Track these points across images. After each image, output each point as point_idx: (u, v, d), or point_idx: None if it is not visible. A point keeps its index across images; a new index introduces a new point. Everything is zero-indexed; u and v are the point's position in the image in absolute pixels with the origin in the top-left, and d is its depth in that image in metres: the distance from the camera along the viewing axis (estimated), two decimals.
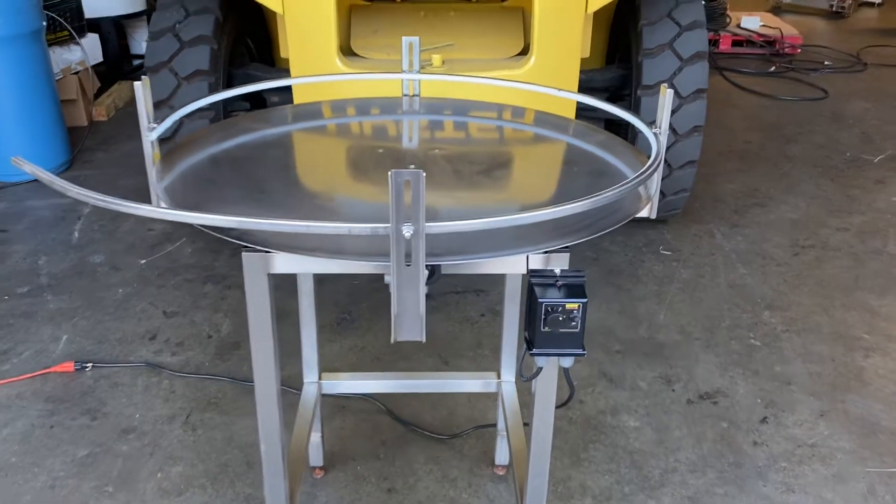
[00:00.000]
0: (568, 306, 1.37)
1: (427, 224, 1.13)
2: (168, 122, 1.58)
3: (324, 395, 2.18)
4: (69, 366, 2.67)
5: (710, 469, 2.31)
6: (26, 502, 2.16)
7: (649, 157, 1.51)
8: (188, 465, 2.29)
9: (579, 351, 1.41)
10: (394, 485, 2.24)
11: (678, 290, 3.22)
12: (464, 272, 1.32)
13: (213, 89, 3.18)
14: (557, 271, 1.40)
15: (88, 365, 2.69)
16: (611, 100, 3.52)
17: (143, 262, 3.40)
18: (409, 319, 1.21)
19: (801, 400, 2.60)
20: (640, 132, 1.61)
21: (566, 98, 1.81)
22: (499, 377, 2.16)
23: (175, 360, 2.74)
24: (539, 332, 1.38)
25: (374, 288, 3.15)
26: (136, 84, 1.50)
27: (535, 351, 1.41)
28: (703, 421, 2.50)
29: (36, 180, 4.14)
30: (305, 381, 2.13)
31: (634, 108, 3.25)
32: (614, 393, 2.61)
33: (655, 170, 1.44)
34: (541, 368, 1.47)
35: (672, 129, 3.25)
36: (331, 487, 2.22)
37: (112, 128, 5.05)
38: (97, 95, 5.19)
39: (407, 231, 1.13)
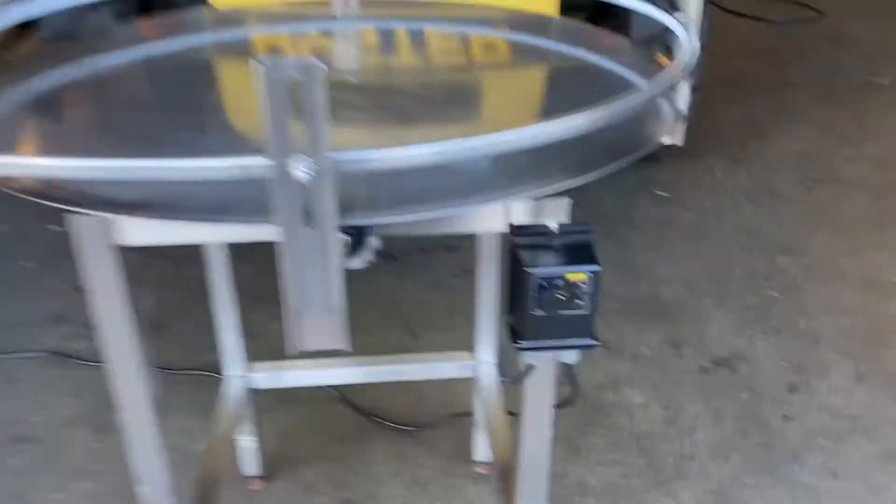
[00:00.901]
0: (571, 277, 0.93)
1: (341, 156, 0.68)
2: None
3: (255, 391, 1.74)
4: None
5: (734, 453, 1.91)
6: None
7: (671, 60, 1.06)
8: (94, 480, 1.85)
9: (588, 341, 0.97)
10: (352, 494, 1.81)
11: (680, 236, 2.79)
12: (417, 233, 0.86)
13: None
14: (553, 226, 0.95)
15: None
16: (594, 20, 3.04)
17: (57, 228, 2.90)
18: (314, 316, 0.75)
19: (834, 360, 2.20)
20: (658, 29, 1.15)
21: None
22: (474, 357, 1.72)
23: (86, 347, 2.27)
24: (528, 316, 0.94)
25: None
26: None
27: (523, 344, 0.97)
28: (722, 393, 2.09)
29: None
30: (226, 373, 1.68)
31: (624, 25, 2.76)
32: (614, 363, 2.19)
33: (686, 73, 0.99)
34: (532, 367, 1.02)
35: (664, 46, 2.78)
36: (272, 502, 1.79)
37: None
38: None
39: (301, 169, 0.67)
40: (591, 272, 0.93)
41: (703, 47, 1.17)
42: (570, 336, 0.97)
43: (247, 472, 1.82)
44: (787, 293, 2.49)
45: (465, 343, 2.25)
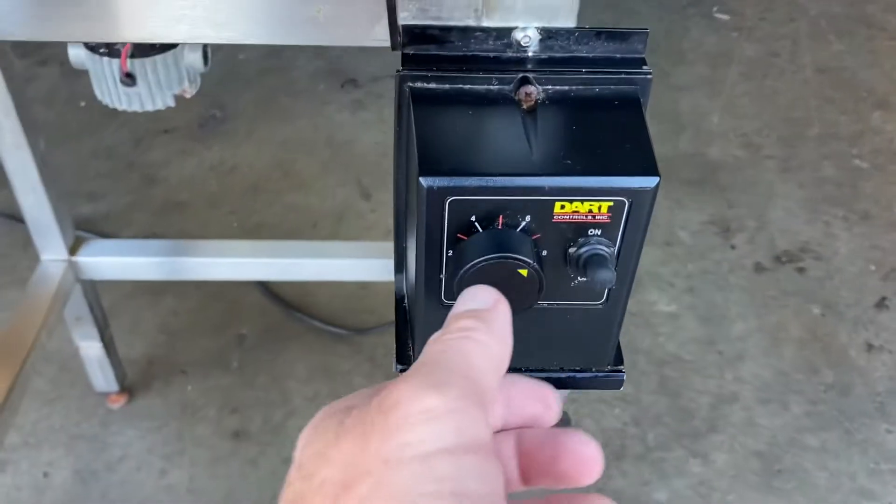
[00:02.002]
0: (569, 209, 0.29)
1: None
2: None
3: (81, 280, 1.15)
4: None
5: (794, 398, 1.35)
6: None
7: None
8: None
9: (606, 375, 0.36)
10: (246, 424, 1.29)
11: (741, 76, 2.08)
12: None
13: None
14: (524, 36, 0.30)
15: None
16: None
17: None
18: None
19: None
20: None
21: None
22: None
23: None
24: (430, 303, 0.32)
25: (265, 69, 2.01)
26: None
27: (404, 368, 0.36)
28: (783, 303, 1.50)
29: None
30: (43, 257, 1.09)
31: None
32: None
33: None
34: None
35: None
36: (134, 428, 1.27)
37: None
38: None
39: None
40: (633, 194, 0.30)
41: None
42: (552, 359, 0.36)
43: (100, 388, 1.28)
44: (880, 164, 1.83)
45: None
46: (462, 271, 0.31)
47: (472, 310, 0.29)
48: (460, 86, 0.33)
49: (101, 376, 1.25)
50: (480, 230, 0.31)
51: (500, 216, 0.31)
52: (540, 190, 0.30)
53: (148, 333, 1.40)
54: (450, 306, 0.31)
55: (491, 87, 0.33)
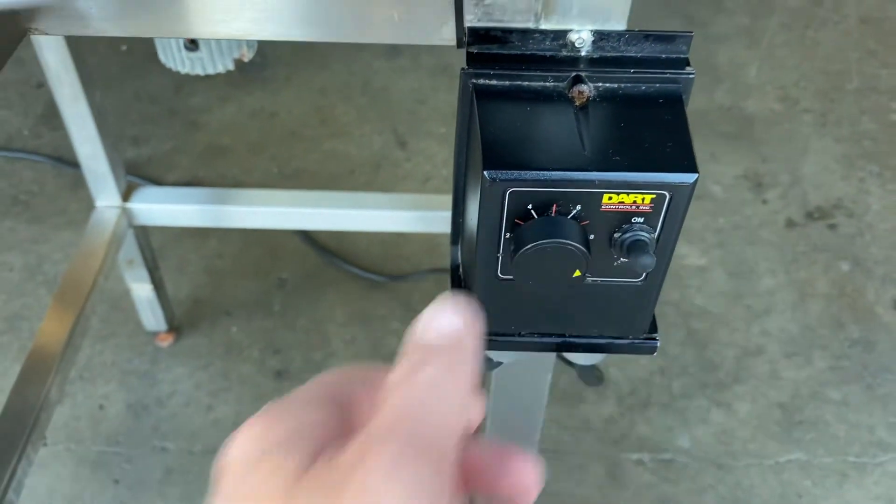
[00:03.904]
0: (616, 200, 0.33)
1: None
2: None
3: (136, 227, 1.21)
4: None
5: (819, 353, 1.38)
6: None
7: None
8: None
9: (641, 341, 0.40)
10: (288, 362, 1.35)
11: (781, 26, 2.05)
12: None
13: None
14: (579, 38, 0.33)
15: None
16: None
17: None
18: None
19: None
20: None
21: None
22: None
23: None
24: (489, 278, 0.36)
25: None
26: None
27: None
28: (814, 259, 1.52)
29: None
30: (98, 204, 1.14)
31: None
32: None
33: None
34: (495, 364, 0.46)
35: None
36: (182, 366, 1.34)
37: None
38: None
39: None
40: (673, 188, 0.33)
41: None
42: (594, 326, 0.40)
43: (149, 327, 1.35)
44: None
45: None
46: (518, 253, 0.34)
47: (442, 346, 0.28)
48: (519, 83, 0.36)
49: (151, 316, 1.32)
50: (536, 217, 0.34)
51: (554, 205, 0.34)
52: (591, 183, 0.34)
53: (194, 275, 1.46)
54: (505, 279, 0.34)
55: (547, 84, 0.36)
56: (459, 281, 0.44)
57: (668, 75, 0.36)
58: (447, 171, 1.67)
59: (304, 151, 1.68)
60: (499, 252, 0.36)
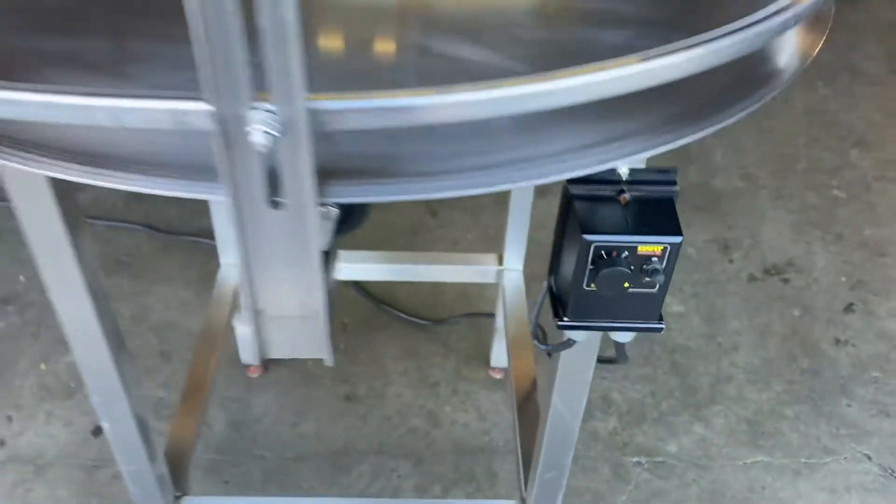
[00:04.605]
0: (642, 250, 0.69)
1: (321, 100, 0.43)
2: None
3: None
4: None
5: (776, 379, 1.74)
6: None
7: None
8: None
9: (653, 324, 0.76)
10: (355, 389, 1.68)
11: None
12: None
13: None
14: (623, 173, 0.71)
15: None
16: None
17: None
18: (291, 319, 0.54)
19: None
20: None
21: None
22: (500, 263, 1.52)
23: (78, 199, 2.08)
24: (579, 290, 0.72)
25: None
26: None
27: (566, 322, 0.75)
28: (770, 307, 1.89)
29: None
30: (223, 262, 1.49)
31: None
32: None
33: None
34: (572, 342, 0.81)
35: None
36: (270, 393, 1.67)
37: None
38: None
39: (262, 125, 0.43)
40: (672, 244, 0.69)
41: None
42: (629, 317, 0.75)
43: (244, 360, 1.68)
44: (854, 193, 2.22)
45: (490, 227, 2.04)
46: (598, 275, 0.69)
47: None
48: (594, 192, 0.71)
49: (248, 352, 1.65)
50: (605, 257, 0.69)
51: (614, 251, 0.69)
52: (632, 241, 0.68)
53: None
54: (588, 289, 0.69)
55: (607, 192, 0.71)
56: (553, 294, 0.78)
57: (665, 189, 0.71)
58: (471, 236, 2.03)
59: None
60: (585, 275, 0.70)
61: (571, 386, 0.90)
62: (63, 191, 0.73)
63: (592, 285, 0.71)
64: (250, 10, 0.38)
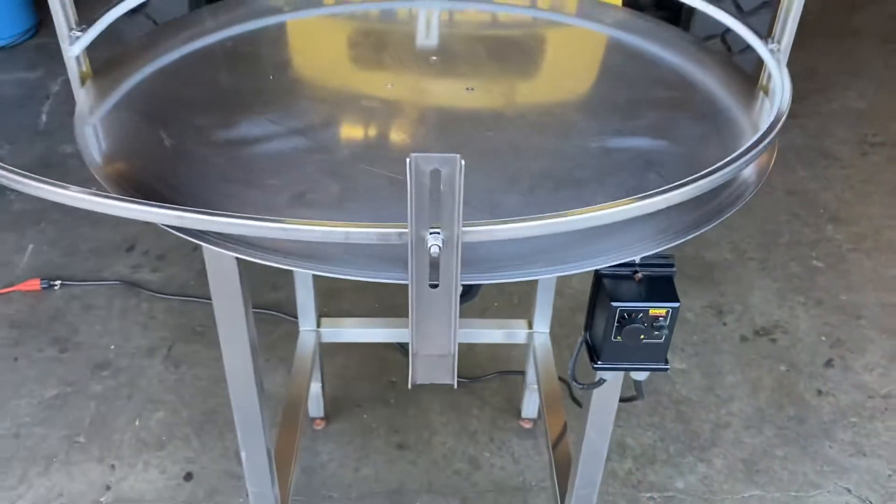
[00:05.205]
0: (652, 312, 1.00)
1: (467, 229, 0.74)
2: (99, 28, 1.15)
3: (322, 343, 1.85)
4: (35, 283, 2.34)
5: (767, 425, 2.01)
6: None
7: (750, 73, 1.11)
8: (170, 410, 2.00)
9: (661, 365, 1.06)
10: (405, 439, 1.95)
11: None
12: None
13: None
14: (637, 259, 1.02)
15: (57, 283, 2.35)
16: None
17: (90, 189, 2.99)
18: (433, 357, 0.84)
19: (873, 338, 2.26)
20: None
21: None
22: (530, 327, 1.82)
23: (155, 278, 2.40)
24: (608, 342, 1.02)
25: None
26: None
27: (599, 364, 1.05)
28: (760, 363, 2.18)
29: None
30: (301, 328, 1.79)
31: None
32: None
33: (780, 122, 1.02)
34: (603, 381, 1.11)
35: (737, 4, 2.73)
36: (333, 442, 1.94)
37: None
38: None
39: (434, 241, 0.74)
40: (671, 308, 1.00)
41: None
42: (644, 360, 1.05)
43: (312, 414, 1.96)
44: (831, 263, 2.53)
45: (514, 294, 2.34)
46: (622, 330, 0.99)
47: None
48: (617, 272, 1.01)
49: (315, 406, 1.93)
50: (627, 318, 0.99)
51: (632, 314, 0.99)
52: (646, 306, 0.98)
53: (331, 380, 2.08)
54: (615, 341, 1.00)
55: (626, 273, 1.01)
56: (588, 344, 1.07)
57: (666, 270, 1.02)
58: (498, 304, 2.33)
59: (397, 290, 2.35)
60: (613, 330, 1.00)
61: (601, 416, 1.19)
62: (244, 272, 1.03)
63: (619, 337, 1.01)
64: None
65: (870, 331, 2.29)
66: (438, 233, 0.74)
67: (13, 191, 2.70)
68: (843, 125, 3.26)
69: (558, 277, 1.78)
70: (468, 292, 0.94)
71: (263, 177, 0.96)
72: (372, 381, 2.10)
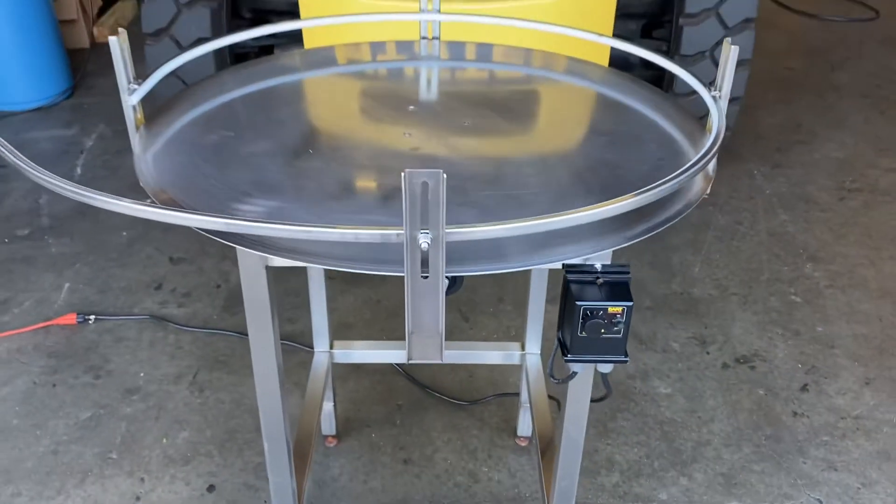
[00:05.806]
0: (610, 310, 1.19)
1: (449, 230, 0.95)
2: (152, 82, 1.38)
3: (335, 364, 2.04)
4: (72, 318, 2.55)
5: (745, 443, 2.17)
6: (28, 469, 2.07)
7: (703, 119, 1.32)
8: (195, 430, 2.18)
9: (621, 358, 1.24)
10: (410, 455, 2.12)
11: (715, 238, 3.02)
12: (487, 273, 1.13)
13: (215, 15, 2.93)
14: (598, 267, 1.22)
15: (91, 317, 2.56)
16: (649, 27, 3.23)
17: (150, 201, 3.23)
18: (425, 337, 1.04)
19: (845, 365, 2.43)
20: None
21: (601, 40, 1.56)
22: (523, 349, 2.00)
23: (181, 313, 2.61)
24: (575, 336, 1.21)
25: None
26: (112, 39, 1.29)
27: (569, 357, 1.24)
28: (740, 388, 2.35)
29: (36, 109, 3.95)
30: (316, 349, 1.99)
31: (675, 39, 2.97)
32: (645, 355, 2.45)
33: (716, 147, 1.23)
34: (575, 373, 1.30)
35: (713, 60, 2.98)
36: (344, 458, 2.11)
37: None
38: (99, 14, 4.92)
39: (424, 240, 0.94)
40: (627, 307, 1.19)
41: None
42: (606, 353, 1.24)
43: (324, 431, 2.14)
44: (808, 298, 2.71)
45: (511, 328, 2.53)
46: (585, 325, 1.17)
47: None
48: (582, 278, 1.20)
49: (328, 424, 2.11)
50: (590, 315, 1.18)
51: (598, 311, 1.18)
52: (605, 305, 1.17)
53: (342, 403, 2.26)
54: (583, 336, 1.19)
55: (590, 277, 1.21)
56: (560, 342, 1.25)
57: (623, 276, 1.21)
58: (497, 336, 2.52)
59: (400, 325, 2.54)
60: (578, 325, 1.19)
61: (575, 409, 1.37)
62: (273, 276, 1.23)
63: (584, 332, 1.20)
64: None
65: (843, 359, 2.45)
66: (428, 233, 0.94)
67: (50, 234, 2.95)
68: (824, 173, 3.48)
69: (547, 310, 1.97)
70: (454, 284, 1.14)
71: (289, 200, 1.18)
72: (380, 404, 2.28)
